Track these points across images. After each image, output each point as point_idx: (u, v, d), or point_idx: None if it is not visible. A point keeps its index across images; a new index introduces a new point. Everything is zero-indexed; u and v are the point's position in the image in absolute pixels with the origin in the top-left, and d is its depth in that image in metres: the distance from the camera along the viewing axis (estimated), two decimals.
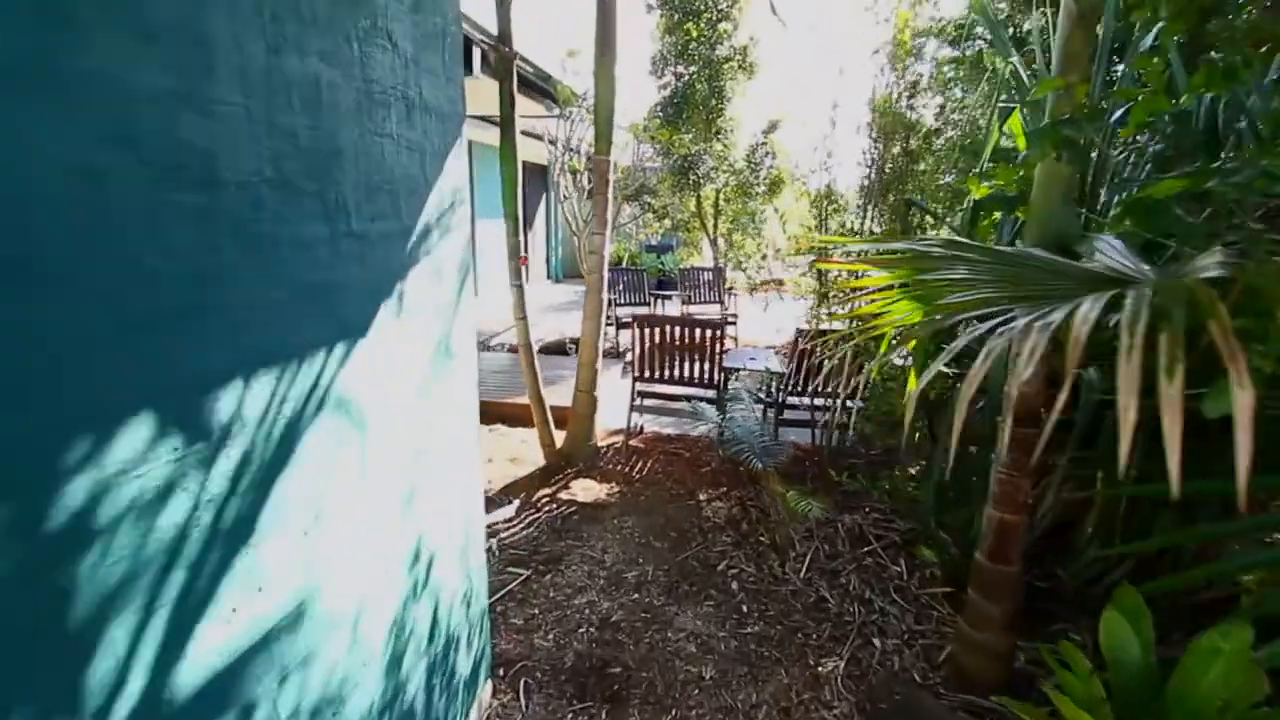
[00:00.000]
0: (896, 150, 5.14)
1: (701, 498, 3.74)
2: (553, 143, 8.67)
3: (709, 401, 4.42)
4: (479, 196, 10.54)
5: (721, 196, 9.59)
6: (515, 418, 5.10)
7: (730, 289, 8.51)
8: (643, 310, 8.17)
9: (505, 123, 3.57)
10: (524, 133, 9.45)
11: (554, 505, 3.66)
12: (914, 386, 2.54)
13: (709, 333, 4.17)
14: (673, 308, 8.29)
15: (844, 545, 3.20)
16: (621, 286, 8.24)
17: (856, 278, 2.10)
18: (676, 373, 4.34)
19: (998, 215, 2.70)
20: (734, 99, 9.27)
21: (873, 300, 1.78)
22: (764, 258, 10.25)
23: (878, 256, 2.13)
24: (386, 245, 1.45)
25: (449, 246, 1.74)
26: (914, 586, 2.86)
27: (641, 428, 4.89)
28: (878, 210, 5.25)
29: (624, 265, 12.12)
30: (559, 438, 4.20)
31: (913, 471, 3.65)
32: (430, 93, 1.60)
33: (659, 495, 3.80)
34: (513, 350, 7.46)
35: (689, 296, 8.32)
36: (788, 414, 4.21)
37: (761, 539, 3.27)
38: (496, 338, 8.20)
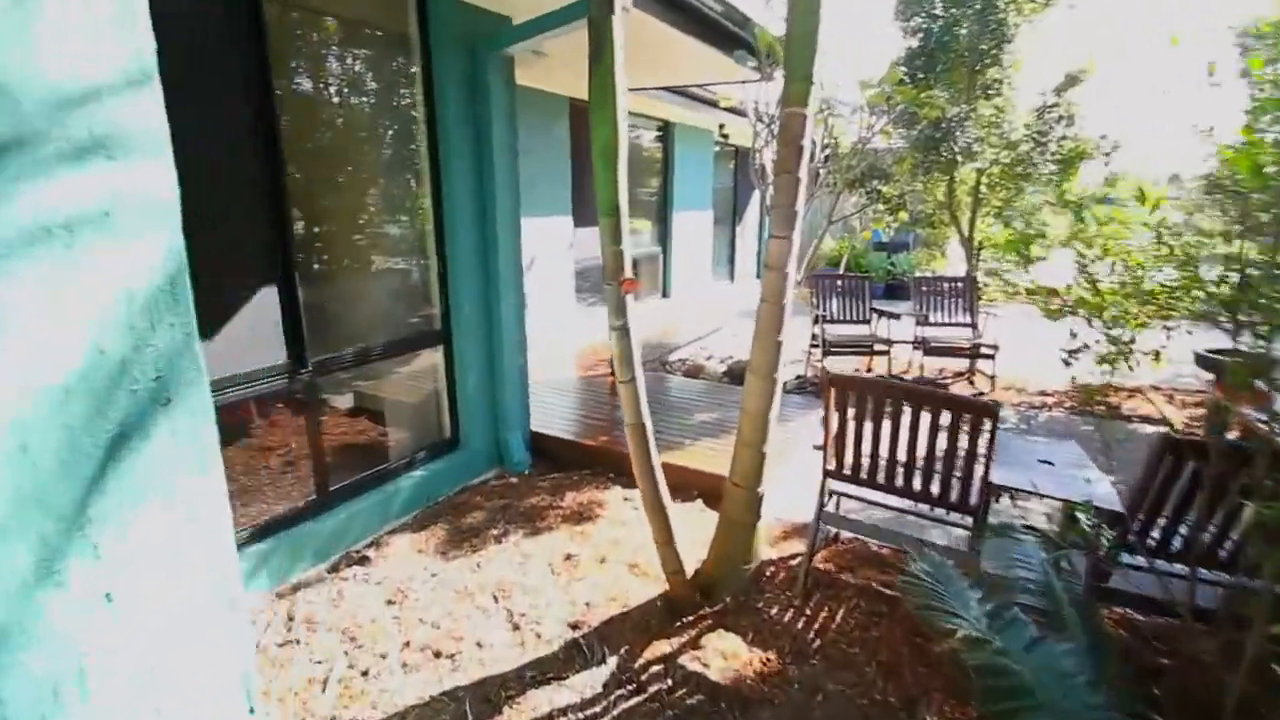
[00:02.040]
0: None
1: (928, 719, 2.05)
2: (745, 114, 7.13)
3: (959, 527, 2.61)
4: (678, 183, 9.42)
5: (985, 180, 7.09)
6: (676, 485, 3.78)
7: (988, 305, 6.17)
8: (861, 330, 6.25)
9: (596, 61, 2.19)
10: (730, 109, 8.03)
11: (666, 680, 2.27)
12: None
13: (964, 418, 2.37)
14: (902, 330, 6.23)
15: None
16: (834, 296, 6.41)
17: None
18: (897, 479, 2.60)
19: None
20: (1015, 39, 6.70)
21: None
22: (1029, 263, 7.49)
23: None
24: None
25: None
26: None
27: (835, 536, 3.23)
28: None
29: (844, 266, 10.02)
30: (695, 543, 2.77)
31: None
32: None
33: (848, 695, 2.19)
34: (691, 374, 6.14)
35: (924, 314, 6.18)
36: (1117, 580, 2.24)
37: None
38: (677, 351, 6.93)
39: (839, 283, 6.45)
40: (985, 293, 7.13)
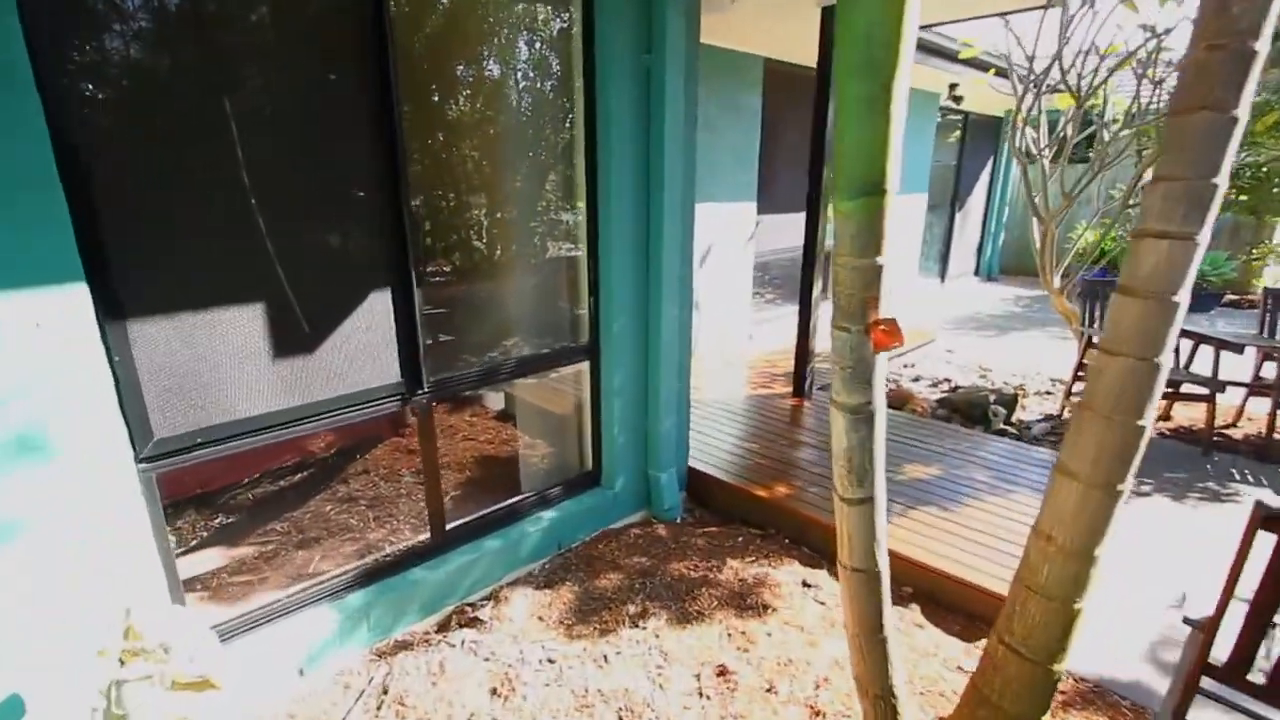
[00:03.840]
0: None
1: None
2: (997, 67, 5.48)
3: None
4: None
5: None
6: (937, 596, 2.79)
7: None
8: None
9: None
10: (971, 61, 6.40)
11: None
12: None
13: None
14: (1232, 367, 4.33)
15: None
16: (1097, 306, 4.72)
17: None
18: None
19: None
20: None
21: None
22: None
23: None
24: None
25: None
26: None
27: None
28: None
29: (1102, 266, 7.88)
30: (912, 685, 1.76)
31: None
32: None
33: None
34: (896, 403, 4.90)
35: (1267, 344, 4.24)
36: None
37: None
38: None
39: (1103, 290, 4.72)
40: None
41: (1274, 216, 7.01)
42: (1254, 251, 9.72)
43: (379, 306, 2.17)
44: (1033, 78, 4.40)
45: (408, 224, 2.15)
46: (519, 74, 2.67)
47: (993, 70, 6.31)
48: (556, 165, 2.80)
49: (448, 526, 2.58)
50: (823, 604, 2.57)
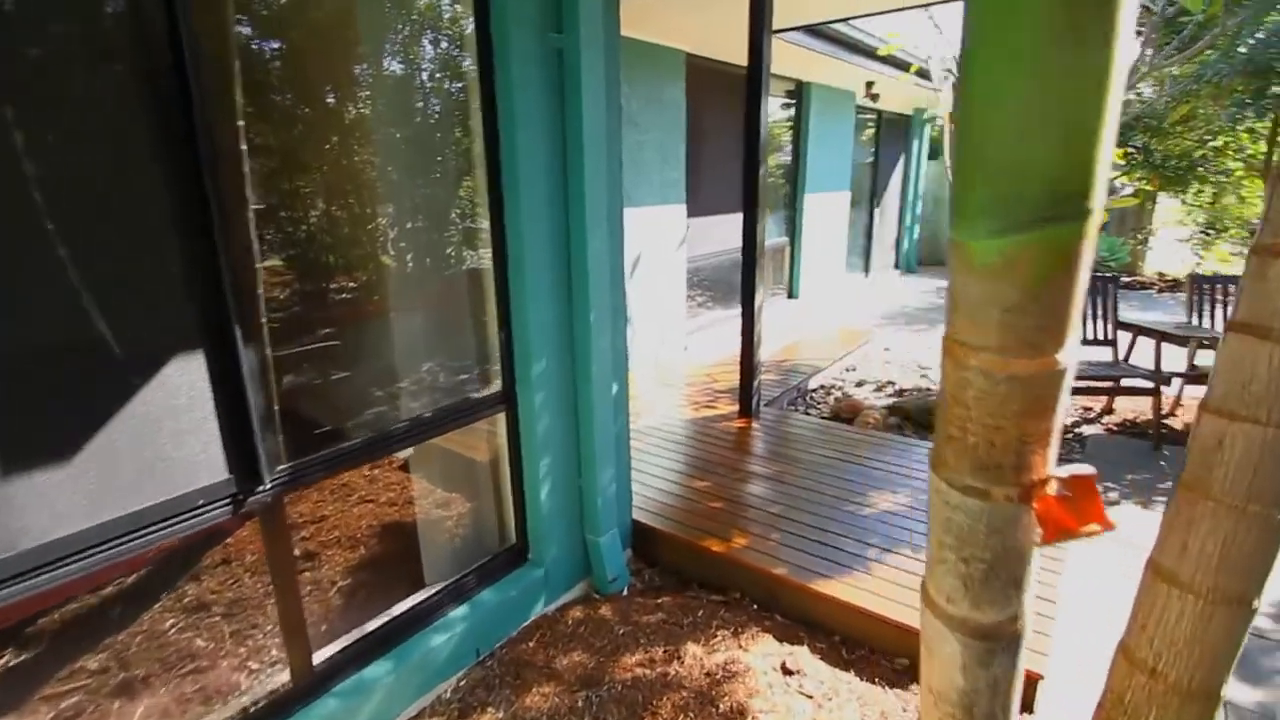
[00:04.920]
0: None
1: None
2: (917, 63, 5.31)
3: None
4: (811, 160, 7.69)
5: None
6: (855, 637, 2.36)
7: None
8: (1102, 354, 4.36)
9: None
10: (890, 59, 6.23)
11: None
12: None
13: None
14: (1145, 356, 4.25)
15: None
16: None
17: None
18: None
19: None
20: None
21: None
22: None
23: None
24: None
25: None
26: None
27: None
28: None
29: None
30: None
31: None
32: None
33: None
34: (846, 415, 4.60)
35: (1204, 331, 4.19)
36: None
37: None
38: (818, 376, 5.36)
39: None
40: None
41: (1178, 191, 7.43)
42: (1138, 235, 10.31)
43: (183, 380, 1.50)
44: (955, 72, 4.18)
45: (228, 260, 1.51)
46: (391, 57, 2.06)
47: (914, 68, 6.17)
48: (450, 174, 2.21)
49: (317, 661, 1.92)
50: (810, 697, 2.12)
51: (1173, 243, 10.45)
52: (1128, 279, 9.75)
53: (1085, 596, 2.65)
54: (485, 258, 2.29)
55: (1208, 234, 9.40)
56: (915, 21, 5.63)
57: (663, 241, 5.26)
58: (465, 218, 2.27)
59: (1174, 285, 9.41)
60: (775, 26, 3.82)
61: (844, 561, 2.60)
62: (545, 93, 2.20)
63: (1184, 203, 8.55)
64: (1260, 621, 2.53)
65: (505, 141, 2.15)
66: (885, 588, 2.43)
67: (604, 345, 2.52)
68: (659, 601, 2.66)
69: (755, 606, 2.60)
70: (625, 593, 2.74)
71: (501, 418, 2.41)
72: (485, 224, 2.24)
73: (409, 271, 2.16)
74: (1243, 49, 3.80)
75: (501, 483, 2.54)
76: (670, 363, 5.43)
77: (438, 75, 2.15)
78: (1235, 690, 2.20)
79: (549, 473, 2.50)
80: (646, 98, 4.77)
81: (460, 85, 2.17)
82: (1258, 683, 2.25)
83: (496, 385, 2.36)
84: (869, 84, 7.42)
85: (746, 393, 4.22)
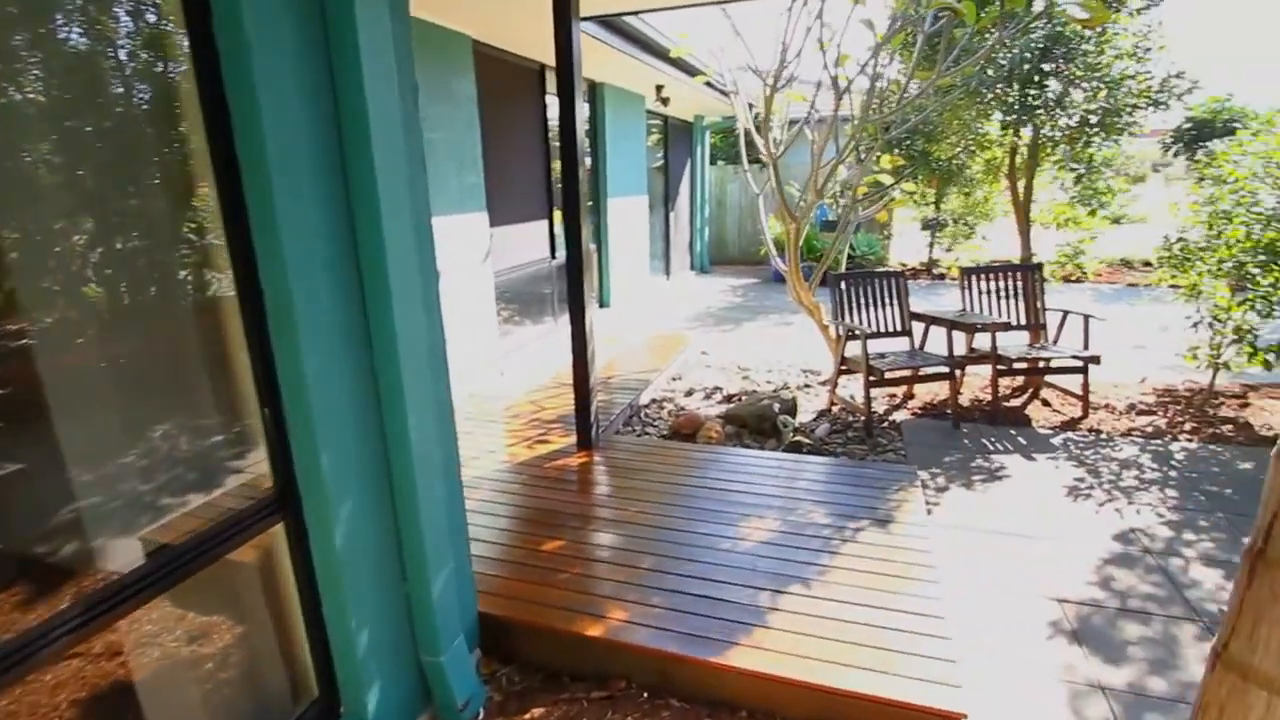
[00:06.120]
0: None
1: None
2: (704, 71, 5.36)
3: None
4: (611, 163, 7.50)
5: (1051, 138, 5.19)
6: (762, 708, 2.02)
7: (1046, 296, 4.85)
8: (899, 345, 4.70)
9: None
10: (679, 62, 6.21)
11: None
12: None
13: None
14: (937, 342, 4.75)
15: None
16: (865, 301, 4.87)
17: None
18: None
19: None
20: None
21: None
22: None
23: None
24: None
25: None
26: None
27: None
28: None
29: (791, 255, 8.76)
30: None
31: None
32: None
33: None
34: (686, 432, 4.37)
35: (976, 317, 4.75)
36: None
37: None
38: (647, 391, 5.08)
39: (872, 284, 4.88)
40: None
41: (962, 190, 9.15)
42: (885, 233, 12.03)
43: None
44: (771, 79, 4.19)
45: None
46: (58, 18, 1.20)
47: (701, 78, 6.18)
48: (167, 181, 1.39)
49: None
50: None
51: (911, 237, 12.55)
52: (881, 269, 11.30)
53: (960, 604, 2.66)
54: (229, 294, 1.51)
55: (938, 229, 11.27)
56: (709, 19, 5.65)
57: (468, 255, 4.58)
58: (198, 251, 1.46)
59: (917, 274, 11.15)
60: (581, 14, 3.40)
61: (737, 617, 2.28)
62: (306, 65, 1.49)
63: (958, 196, 10.28)
64: None
65: (243, 136, 1.40)
66: (787, 641, 2.16)
67: (423, 399, 1.87)
68: (528, 717, 2.09)
69: (645, 695, 2.16)
70: (482, 716, 2.11)
71: (279, 531, 1.63)
72: (220, 241, 1.47)
73: (82, 323, 1.31)
74: (1002, 60, 4.31)
75: (289, 621, 1.75)
76: (488, 393, 4.77)
77: (136, 38, 1.33)
78: None
79: (359, 591, 1.78)
80: (433, 91, 4.05)
81: (168, 57, 1.37)
82: None
83: (267, 486, 1.59)
84: (659, 87, 7.43)
85: (585, 421, 3.77)
